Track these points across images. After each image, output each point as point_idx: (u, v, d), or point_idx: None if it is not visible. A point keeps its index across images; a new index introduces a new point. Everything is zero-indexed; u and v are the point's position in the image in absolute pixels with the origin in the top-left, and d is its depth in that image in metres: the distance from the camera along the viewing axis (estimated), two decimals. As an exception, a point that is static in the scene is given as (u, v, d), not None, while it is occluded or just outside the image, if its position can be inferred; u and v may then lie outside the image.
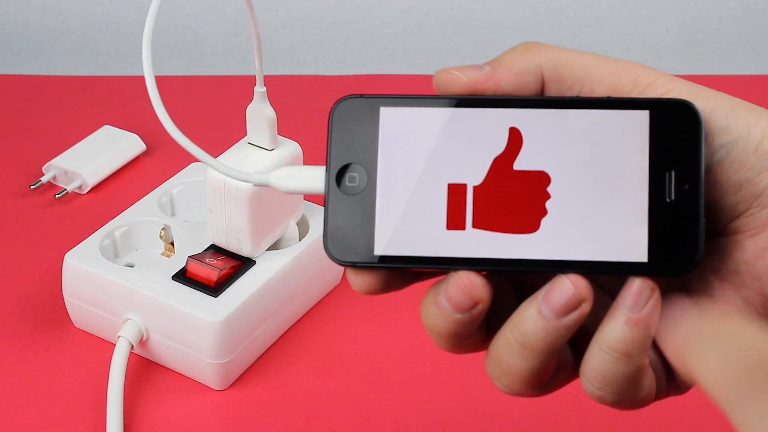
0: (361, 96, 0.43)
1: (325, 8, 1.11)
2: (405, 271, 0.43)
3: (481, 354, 0.68)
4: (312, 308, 0.73)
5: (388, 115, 0.42)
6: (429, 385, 0.67)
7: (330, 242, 0.42)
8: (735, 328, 0.38)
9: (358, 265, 0.42)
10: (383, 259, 0.42)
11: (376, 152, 0.42)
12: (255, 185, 0.45)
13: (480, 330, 0.42)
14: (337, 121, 0.43)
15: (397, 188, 0.42)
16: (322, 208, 0.72)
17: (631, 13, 1.12)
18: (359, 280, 0.42)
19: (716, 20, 1.12)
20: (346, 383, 0.67)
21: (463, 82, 0.43)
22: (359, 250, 0.42)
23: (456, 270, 0.41)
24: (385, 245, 0.42)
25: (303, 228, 0.71)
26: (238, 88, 0.89)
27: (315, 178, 0.43)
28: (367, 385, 0.67)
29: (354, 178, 0.42)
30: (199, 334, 0.65)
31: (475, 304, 0.41)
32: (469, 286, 0.41)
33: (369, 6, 1.10)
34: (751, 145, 0.40)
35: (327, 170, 0.42)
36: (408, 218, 0.42)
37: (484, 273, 0.41)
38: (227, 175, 0.45)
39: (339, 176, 0.42)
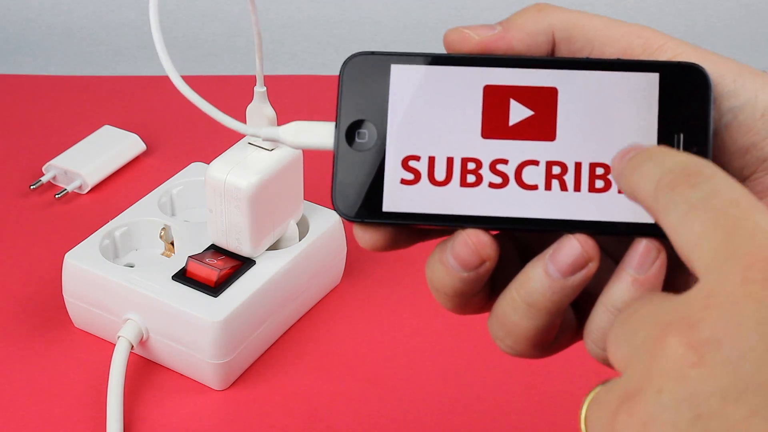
0: (372, 53, 0.43)
1: (326, 8, 1.11)
2: (412, 229, 0.43)
3: (481, 354, 0.68)
4: (312, 308, 0.73)
5: (399, 72, 0.42)
6: (429, 385, 0.67)
7: (338, 197, 0.42)
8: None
9: (365, 221, 0.42)
10: (391, 215, 0.42)
11: (386, 109, 0.42)
12: (264, 140, 0.45)
13: (484, 290, 0.43)
14: (348, 77, 0.43)
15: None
16: (323, 207, 0.72)
17: (629, 14, 1.13)
18: (366, 236, 0.42)
19: (716, 20, 1.12)
20: (346, 383, 0.67)
21: (474, 41, 0.43)
22: (367, 206, 0.42)
23: (464, 228, 0.41)
24: (393, 202, 0.42)
25: (303, 228, 0.71)
26: (238, 88, 0.88)
27: (324, 133, 0.43)
28: (367, 385, 0.67)
29: (363, 134, 0.42)
30: (199, 334, 0.65)
31: (483, 261, 0.41)
32: (477, 243, 0.41)
33: (369, 6, 1.10)
34: (758, 110, 0.41)
35: (337, 126, 0.43)
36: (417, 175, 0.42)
37: (492, 232, 0.41)
38: (238, 131, 0.46)
39: (349, 132, 0.42)
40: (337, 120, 0.43)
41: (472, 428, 0.65)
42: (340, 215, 0.42)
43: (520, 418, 0.65)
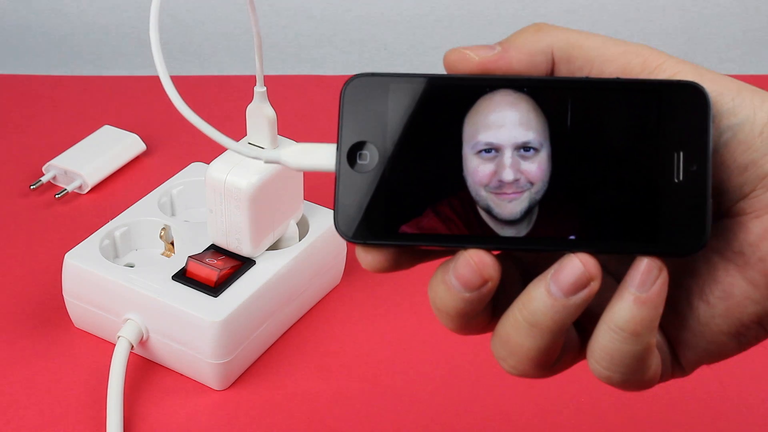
0: (372, 74, 0.43)
1: (326, 8, 1.11)
2: (415, 249, 0.43)
3: (480, 354, 0.68)
4: (312, 308, 0.73)
5: (399, 93, 0.42)
6: (429, 385, 0.67)
7: (340, 220, 0.42)
8: None
9: (368, 242, 0.42)
10: (393, 236, 0.42)
11: (386, 130, 0.42)
12: (266, 162, 0.45)
13: (487, 310, 0.43)
14: (349, 99, 0.43)
15: (407, 166, 0.42)
16: (323, 207, 0.72)
17: (630, 14, 1.13)
18: (369, 258, 0.42)
19: (716, 20, 1.12)
20: (346, 383, 0.67)
21: (474, 61, 0.43)
22: (369, 228, 0.42)
23: (466, 248, 0.41)
24: (395, 223, 0.42)
25: (303, 228, 0.71)
26: (238, 88, 0.89)
27: (326, 155, 0.43)
28: (367, 385, 0.67)
29: (365, 155, 0.42)
30: (199, 334, 0.65)
31: (485, 282, 0.41)
32: (479, 264, 0.41)
33: (369, 6, 1.10)
34: (757, 128, 0.41)
35: (338, 148, 0.42)
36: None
37: (494, 252, 0.41)
38: (239, 153, 0.46)
39: (350, 154, 0.42)
40: (338, 142, 0.43)
41: (471, 428, 0.65)
42: (342, 237, 0.42)
43: (519, 418, 0.65)
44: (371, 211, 0.42)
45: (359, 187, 0.42)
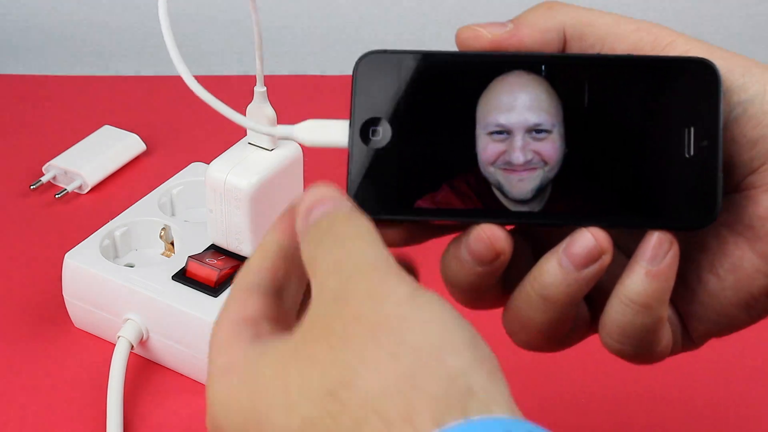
0: (385, 51, 0.43)
1: (326, 8, 1.11)
2: (427, 224, 0.43)
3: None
4: (312, 308, 0.72)
5: (411, 70, 0.43)
6: (429, 385, 0.67)
7: (353, 195, 0.42)
8: None
9: (381, 218, 0.42)
10: (406, 211, 0.42)
11: (400, 107, 0.42)
12: (279, 138, 0.45)
13: (498, 284, 0.43)
14: (361, 75, 0.43)
15: (420, 142, 0.42)
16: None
17: (631, 15, 1.12)
18: (381, 234, 0.42)
19: (716, 20, 1.12)
20: (346, 383, 0.67)
21: (486, 38, 0.43)
22: (382, 203, 0.42)
23: (478, 223, 0.41)
24: (407, 198, 0.42)
25: (303, 228, 0.71)
26: (238, 88, 0.88)
27: (339, 131, 0.44)
28: (367, 385, 0.67)
29: (378, 132, 0.43)
30: (199, 334, 0.65)
31: (497, 256, 0.41)
32: (492, 237, 0.41)
33: (370, 6, 1.10)
34: (767, 103, 0.41)
35: (351, 124, 0.43)
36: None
37: (506, 227, 0.42)
38: (252, 129, 0.46)
39: (363, 130, 0.43)
40: (351, 118, 0.43)
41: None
42: None
43: (528, 411, 0.65)
44: (384, 186, 0.42)
45: (372, 163, 0.42)
